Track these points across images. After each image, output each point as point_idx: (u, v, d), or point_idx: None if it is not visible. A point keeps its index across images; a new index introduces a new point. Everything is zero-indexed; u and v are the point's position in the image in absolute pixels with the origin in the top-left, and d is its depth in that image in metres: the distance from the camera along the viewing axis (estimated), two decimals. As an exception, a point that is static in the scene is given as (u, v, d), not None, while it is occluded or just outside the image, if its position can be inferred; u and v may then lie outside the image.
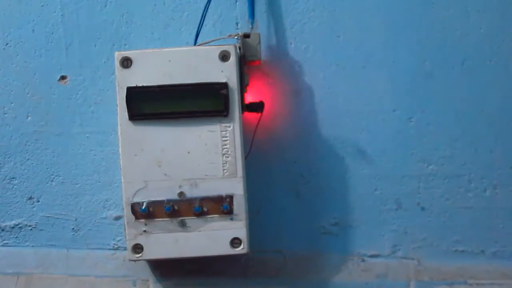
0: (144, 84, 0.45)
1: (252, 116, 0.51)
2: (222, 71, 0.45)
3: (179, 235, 0.45)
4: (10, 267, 0.54)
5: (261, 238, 0.51)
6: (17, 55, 0.54)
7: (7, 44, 0.54)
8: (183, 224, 0.46)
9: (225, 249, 0.46)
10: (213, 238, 0.46)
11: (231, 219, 0.46)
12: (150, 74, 0.45)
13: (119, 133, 0.46)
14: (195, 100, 0.45)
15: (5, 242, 0.55)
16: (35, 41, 0.54)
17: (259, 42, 0.49)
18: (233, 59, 0.45)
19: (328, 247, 0.53)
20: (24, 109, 0.54)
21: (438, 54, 0.52)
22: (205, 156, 0.45)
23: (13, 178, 0.54)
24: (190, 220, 0.46)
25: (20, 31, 0.54)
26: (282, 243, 0.53)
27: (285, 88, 0.53)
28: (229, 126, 0.45)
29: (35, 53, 0.54)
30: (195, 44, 0.50)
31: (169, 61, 0.45)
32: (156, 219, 0.45)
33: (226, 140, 0.45)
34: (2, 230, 0.55)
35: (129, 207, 0.45)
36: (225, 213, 0.46)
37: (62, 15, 0.54)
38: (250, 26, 0.50)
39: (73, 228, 0.54)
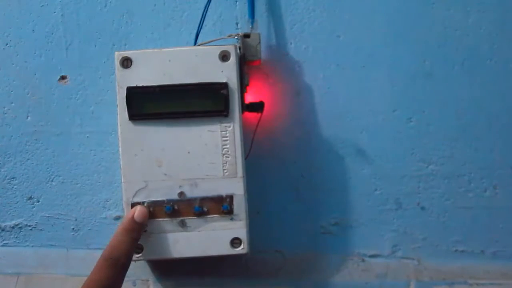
0: (144, 84, 0.45)
1: (252, 116, 0.51)
2: (222, 71, 0.45)
3: (179, 235, 0.45)
4: (10, 267, 0.54)
5: (261, 238, 0.51)
6: (17, 55, 0.54)
7: (7, 44, 0.54)
8: (183, 224, 0.46)
9: (225, 249, 0.46)
10: (213, 238, 0.46)
11: (231, 219, 0.46)
12: (150, 74, 0.45)
13: (119, 133, 0.46)
14: (195, 100, 0.45)
15: (5, 242, 0.55)
16: (35, 41, 0.54)
17: (259, 42, 0.49)
18: (233, 59, 0.45)
19: (328, 247, 0.53)
20: (24, 109, 0.54)
21: (438, 54, 0.52)
22: (205, 156, 0.45)
23: (13, 178, 0.54)
24: (190, 220, 0.46)
25: (20, 31, 0.54)
26: (282, 243, 0.53)
27: (285, 88, 0.53)
28: (229, 126, 0.46)
29: (35, 53, 0.54)
30: (195, 44, 0.50)
31: (169, 61, 0.45)
32: (156, 219, 0.45)
33: (226, 140, 0.45)
34: (2, 230, 0.55)
35: (129, 207, 0.45)
36: (225, 213, 0.46)
37: (62, 15, 0.54)
38: (250, 26, 0.50)
39: (73, 228, 0.54)
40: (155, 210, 0.45)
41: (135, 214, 0.44)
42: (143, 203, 0.45)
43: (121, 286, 0.40)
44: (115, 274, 0.40)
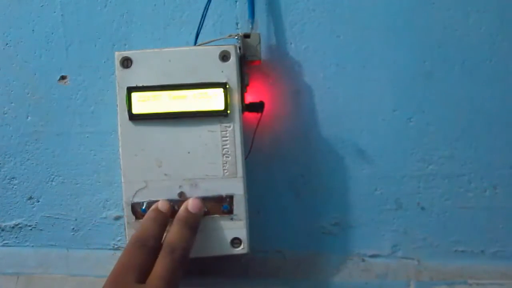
0: (144, 84, 0.45)
1: (252, 116, 0.51)
2: (222, 71, 0.45)
3: (179, 235, 0.45)
4: (10, 267, 0.54)
5: (261, 238, 0.51)
6: (17, 55, 0.54)
7: (7, 44, 0.54)
8: (183, 224, 0.45)
9: (225, 249, 0.46)
10: (213, 238, 0.46)
11: (231, 219, 0.46)
12: (150, 74, 0.45)
13: (119, 133, 0.46)
14: (195, 100, 0.45)
15: (5, 242, 0.55)
16: (35, 41, 0.54)
17: (259, 42, 0.49)
18: (233, 59, 0.45)
19: (328, 247, 0.53)
20: (24, 109, 0.54)
21: (438, 54, 0.52)
22: (205, 156, 0.45)
23: (13, 178, 0.54)
24: (190, 220, 0.46)
25: (20, 31, 0.54)
26: (282, 243, 0.53)
27: (285, 88, 0.53)
28: (229, 126, 0.46)
29: (35, 53, 0.54)
30: (195, 44, 0.50)
31: (169, 61, 0.45)
32: (156, 219, 0.45)
33: (226, 140, 0.45)
34: (2, 230, 0.55)
35: (129, 207, 0.45)
36: (225, 213, 0.46)
37: (62, 15, 0.54)
38: (250, 26, 0.50)
39: (73, 228, 0.54)
40: (155, 210, 0.45)
41: (189, 205, 0.44)
42: (143, 203, 0.45)
43: (158, 270, 0.39)
44: (142, 254, 0.40)
